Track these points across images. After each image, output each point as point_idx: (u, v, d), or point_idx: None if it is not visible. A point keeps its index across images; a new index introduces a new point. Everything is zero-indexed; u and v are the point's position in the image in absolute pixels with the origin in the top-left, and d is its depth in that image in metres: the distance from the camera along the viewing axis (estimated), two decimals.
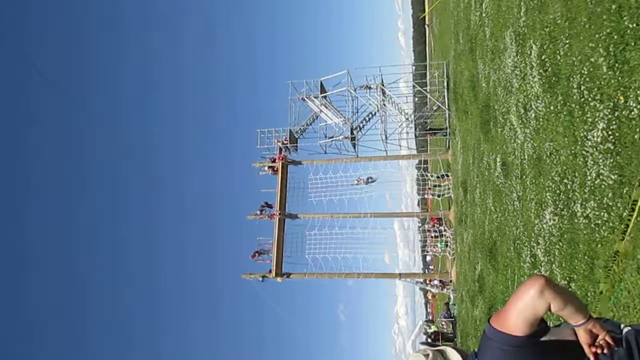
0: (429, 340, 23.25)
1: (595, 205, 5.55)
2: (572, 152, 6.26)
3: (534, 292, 1.62)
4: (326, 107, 22.59)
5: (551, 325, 1.78)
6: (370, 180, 23.54)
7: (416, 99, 25.43)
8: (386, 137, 22.48)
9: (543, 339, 1.69)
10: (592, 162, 5.64)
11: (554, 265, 6.91)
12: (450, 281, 22.13)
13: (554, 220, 6.92)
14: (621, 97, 4.97)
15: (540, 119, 7.64)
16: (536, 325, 1.67)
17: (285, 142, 22.78)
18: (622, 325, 1.77)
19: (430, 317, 38.20)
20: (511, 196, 9.49)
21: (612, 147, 5.17)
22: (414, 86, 25.06)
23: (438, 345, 1.93)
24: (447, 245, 22.37)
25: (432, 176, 24.51)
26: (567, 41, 6.51)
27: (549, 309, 1.65)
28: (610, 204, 5.11)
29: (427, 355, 1.84)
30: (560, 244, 6.69)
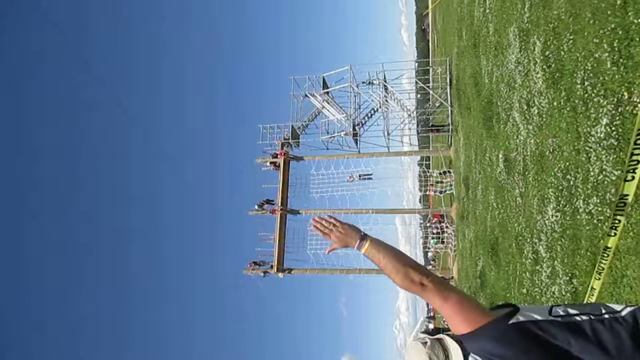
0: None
1: (598, 201, 5.54)
2: (575, 148, 6.24)
3: (401, 285, 1.75)
4: (328, 103, 22.58)
5: (521, 305, 1.65)
6: (365, 176, 23.46)
7: (419, 95, 25.39)
8: (388, 134, 22.46)
9: (513, 321, 1.55)
10: (595, 158, 5.62)
11: (555, 262, 6.90)
12: (452, 277, 22.15)
13: (556, 216, 6.92)
14: (625, 93, 4.95)
15: (544, 115, 7.62)
16: (471, 306, 1.61)
17: (287, 138, 22.79)
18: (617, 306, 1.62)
19: (432, 314, 38.19)
20: (513, 192, 9.48)
21: (615, 143, 5.15)
22: (416, 82, 25.00)
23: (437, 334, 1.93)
24: (440, 242, 22.39)
25: (434, 173, 24.47)
26: (571, 37, 6.48)
27: (419, 282, 1.71)
28: (613, 200, 5.10)
29: (425, 343, 1.83)
30: (563, 240, 6.68)
